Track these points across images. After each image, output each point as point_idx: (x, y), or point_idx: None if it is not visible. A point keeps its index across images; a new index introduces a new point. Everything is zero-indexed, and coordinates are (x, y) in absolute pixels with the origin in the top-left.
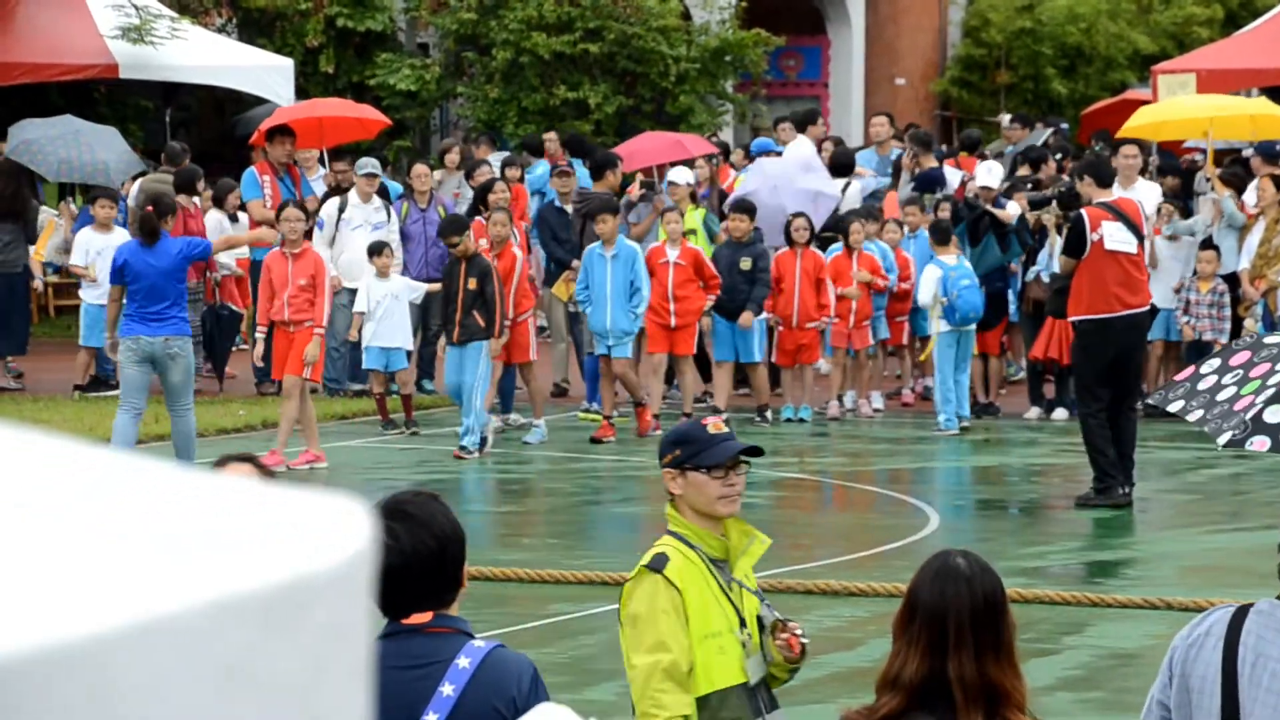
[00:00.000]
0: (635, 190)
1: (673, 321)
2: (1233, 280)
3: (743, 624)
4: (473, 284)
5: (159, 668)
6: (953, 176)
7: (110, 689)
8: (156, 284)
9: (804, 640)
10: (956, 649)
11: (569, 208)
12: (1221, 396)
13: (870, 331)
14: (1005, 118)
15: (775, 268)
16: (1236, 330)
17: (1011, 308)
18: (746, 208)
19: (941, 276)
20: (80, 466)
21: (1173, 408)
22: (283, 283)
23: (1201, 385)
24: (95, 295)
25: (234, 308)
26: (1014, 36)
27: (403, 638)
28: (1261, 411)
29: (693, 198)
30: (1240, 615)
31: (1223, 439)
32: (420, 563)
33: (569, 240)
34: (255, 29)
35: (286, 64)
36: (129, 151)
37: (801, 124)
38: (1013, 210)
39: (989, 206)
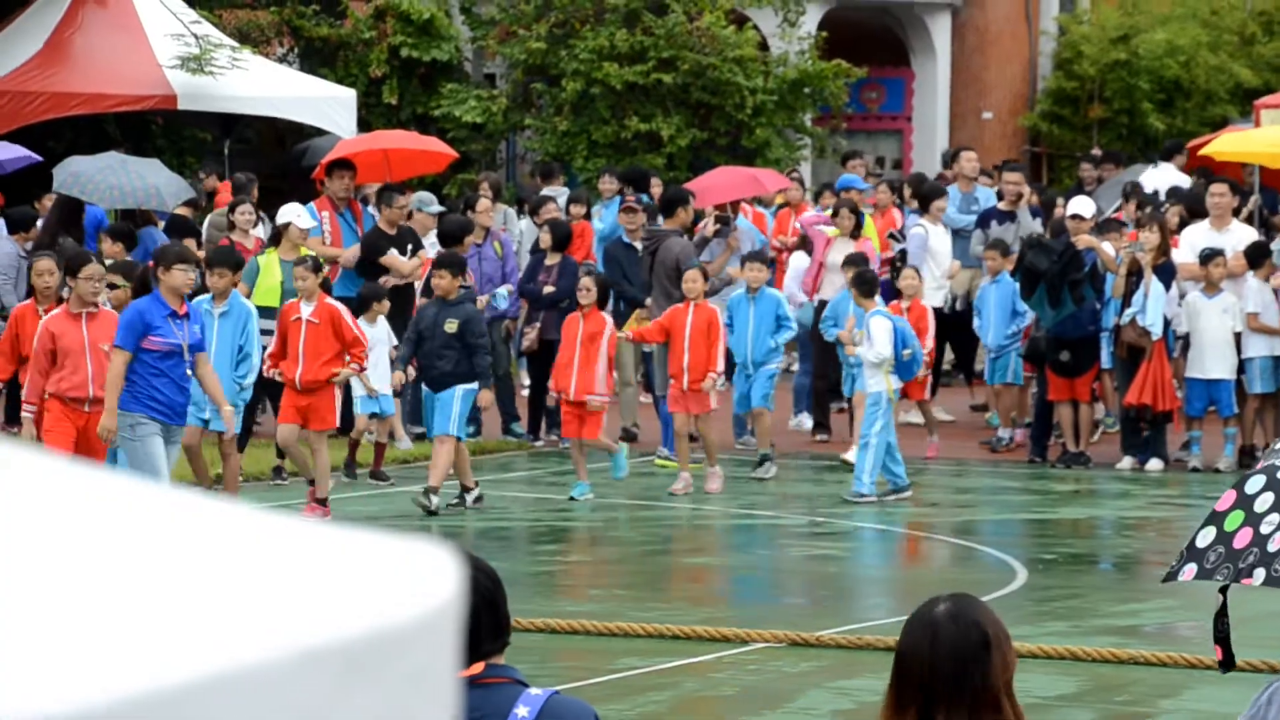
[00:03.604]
0: (710, 227)
1: (298, 384)
2: None
3: None
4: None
5: (243, 715)
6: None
7: None
8: None
9: None
10: (905, 706)
11: (638, 244)
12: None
13: (710, 398)
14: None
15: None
16: None
17: (1103, 353)
18: (451, 261)
19: (895, 329)
20: (167, 511)
21: (1258, 579)
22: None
23: (1273, 546)
24: None
25: None
26: (1108, 69)
27: None
28: None
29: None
30: None
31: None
32: (480, 607)
33: (638, 278)
34: (317, 59)
35: (349, 95)
36: (177, 178)
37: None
38: (1107, 250)
39: (1086, 239)
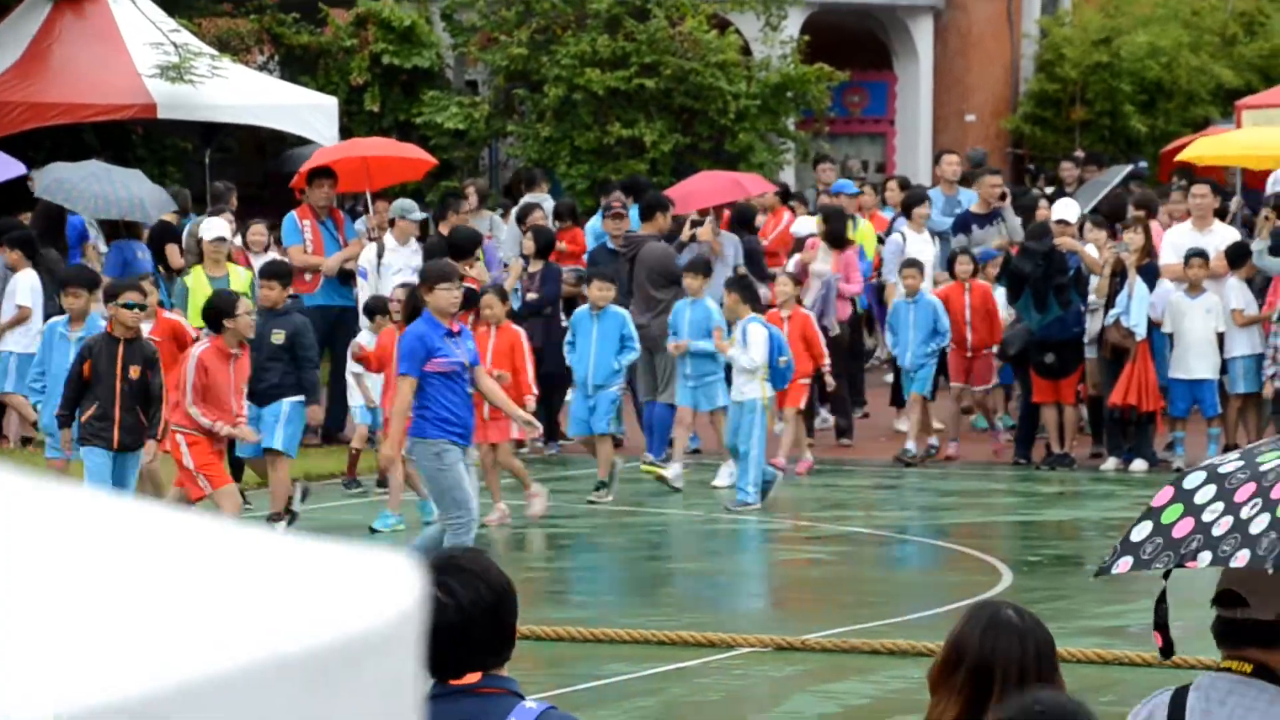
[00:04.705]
0: (686, 233)
1: None
2: None
3: None
4: (134, 372)
5: None
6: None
7: None
8: None
9: None
10: (1000, 702)
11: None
12: (1255, 529)
13: (511, 428)
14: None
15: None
16: None
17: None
18: (278, 271)
19: (770, 336)
20: (129, 522)
21: (1203, 561)
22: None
23: (1218, 530)
24: (20, 343)
25: None
26: (1090, 71)
27: (451, 699)
28: None
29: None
30: (1181, 695)
31: None
32: (479, 616)
33: (621, 283)
34: (298, 66)
35: (330, 103)
36: (160, 190)
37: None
38: (1089, 252)
39: (1069, 242)
